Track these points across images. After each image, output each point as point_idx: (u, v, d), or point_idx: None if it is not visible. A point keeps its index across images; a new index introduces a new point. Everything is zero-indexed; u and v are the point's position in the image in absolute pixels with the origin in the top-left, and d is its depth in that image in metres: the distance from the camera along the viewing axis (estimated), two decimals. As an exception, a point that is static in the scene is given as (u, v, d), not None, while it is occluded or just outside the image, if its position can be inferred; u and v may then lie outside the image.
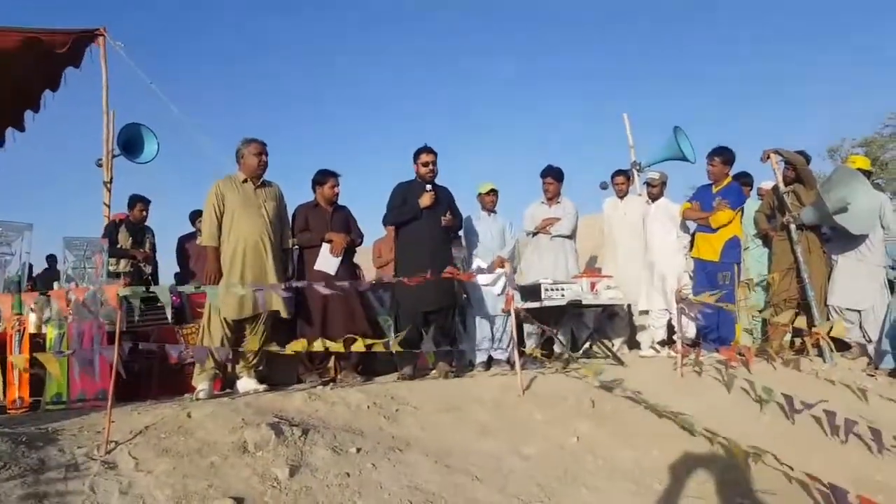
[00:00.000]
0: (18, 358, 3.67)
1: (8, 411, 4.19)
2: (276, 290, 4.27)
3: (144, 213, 6.70)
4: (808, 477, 3.09)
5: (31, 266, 9.86)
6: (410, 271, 4.72)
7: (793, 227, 5.45)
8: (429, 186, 5.19)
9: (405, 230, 5.24)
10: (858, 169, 5.52)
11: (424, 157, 5.22)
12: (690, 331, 5.78)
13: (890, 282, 5.51)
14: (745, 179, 6.47)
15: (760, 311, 5.62)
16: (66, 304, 4.41)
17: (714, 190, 5.77)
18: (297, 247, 5.19)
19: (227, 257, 4.60)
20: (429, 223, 5.15)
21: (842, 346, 5.40)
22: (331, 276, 4.88)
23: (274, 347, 4.30)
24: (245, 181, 4.73)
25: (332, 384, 4.77)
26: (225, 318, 4.50)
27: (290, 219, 5.12)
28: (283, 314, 4.68)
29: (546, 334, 5.48)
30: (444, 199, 5.28)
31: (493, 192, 5.99)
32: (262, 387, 4.53)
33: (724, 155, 5.77)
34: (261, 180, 4.79)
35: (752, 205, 6.20)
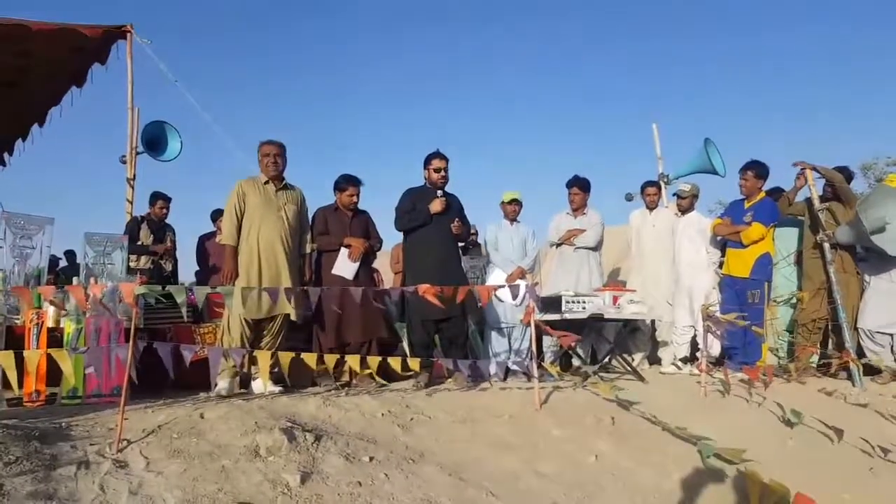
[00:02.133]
0: (33, 353, 3.66)
1: (24, 404, 4.20)
2: (288, 294, 4.23)
3: (165, 210, 6.72)
4: None
5: (57, 260, 10.05)
6: (419, 278, 4.66)
7: (826, 245, 5.30)
8: (440, 192, 5.13)
9: (414, 236, 5.18)
10: None
11: (436, 163, 5.16)
12: (715, 348, 5.65)
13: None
14: (778, 195, 6.32)
15: (789, 332, 5.47)
16: (84, 300, 4.42)
17: (746, 205, 5.64)
18: (316, 250, 5.15)
19: (245, 258, 4.60)
20: (438, 229, 5.08)
21: (872, 369, 5.23)
22: (348, 281, 4.84)
23: (286, 358, 4.27)
24: (267, 182, 4.73)
25: (347, 388, 4.72)
26: (244, 318, 4.49)
27: (310, 221, 5.09)
28: (293, 317, 4.66)
29: (564, 349, 5.39)
30: (454, 206, 5.21)
31: (516, 201, 5.92)
32: (276, 388, 4.49)
33: (756, 169, 5.65)
34: (283, 183, 4.79)
35: (788, 228, 6.06)
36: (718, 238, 5.79)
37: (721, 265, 5.80)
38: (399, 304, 5.86)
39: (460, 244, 5.54)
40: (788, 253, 5.84)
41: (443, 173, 5.17)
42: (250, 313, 4.50)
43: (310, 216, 5.09)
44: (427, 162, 5.21)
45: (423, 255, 5.08)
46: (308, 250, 5.00)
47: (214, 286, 4.47)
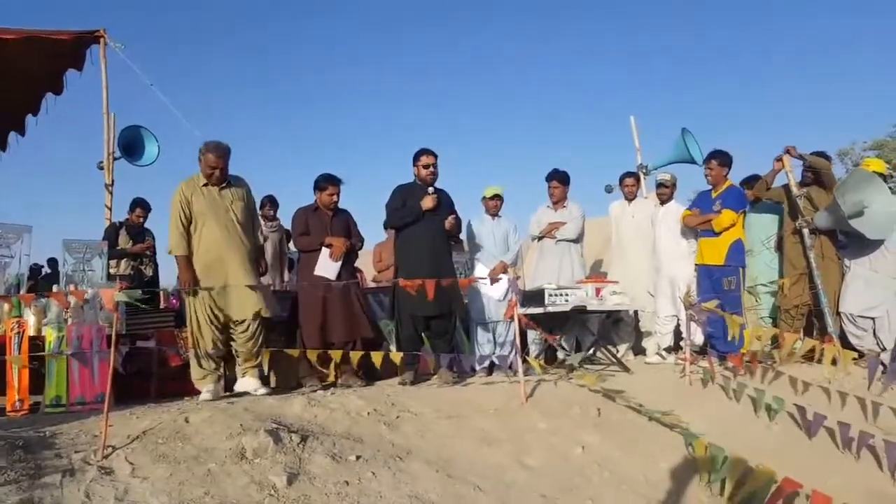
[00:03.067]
0: (16, 358, 3.64)
1: (7, 414, 4.16)
2: (253, 290, 4.20)
3: (142, 218, 6.65)
4: (818, 494, 3.00)
5: (40, 268, 9.95)
6: (410, 275, 4.66)
7: (806, 231, 5.36)
8: (430, 189, 5.13)
9: (405, 233, 5.16)
10: (874, 172, 5.43)
11: (425, 160, 5.15)
12: (698, 337, 5.70)
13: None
14: (756, 182, 6.39)
15: (772, 318, 5.51)
16: (65, 307, 4.39)
17: (714, 195, 5.70)
18: (296, 251, 5.14)
19: (201, 266, 4.42)
20: (429, 226, 5.06)
21: (857, 353, 5.28)
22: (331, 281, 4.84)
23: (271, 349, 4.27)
24: (206, 184, 4.51)
25: (332, 388, 4.72)
26: (211, 321, 4.40)
27: (291, 222, 5.05)
28: (265, 314, 4.52)
29: (549, 343, 5.42)
30: (444, 202, 5.21)
31: (498, 196, 5.92)
32: (263, 389, 4.46)
33: (720, 158, 5.72)
34: (225, 181, 4.56)
35: (767, 214, 6.13)
36: (689, 229, 5.84)
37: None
38: (384, 301, 5.87)
39: (454, 240, 5.54)
40: (767, 238, 5.90)
41: (432, 169, 5.16)
42: (217, 320, 4.39)
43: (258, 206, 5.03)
44: (416, 158, 5.19)
45: (414, 252, 5.07)
46: (261, 242, 4.92)
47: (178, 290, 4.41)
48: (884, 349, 5.14)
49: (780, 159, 5.53)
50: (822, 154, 5.62)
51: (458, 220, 5.29)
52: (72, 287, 4.63)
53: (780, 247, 5.80)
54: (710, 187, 5.79)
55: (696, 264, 5.72)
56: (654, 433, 3.80)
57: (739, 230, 5.60)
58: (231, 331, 4.51)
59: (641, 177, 6.73)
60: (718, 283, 5.51)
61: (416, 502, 2.82)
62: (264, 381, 4.66)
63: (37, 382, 4.29)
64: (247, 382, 4.50)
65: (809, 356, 5.22)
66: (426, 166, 5.15)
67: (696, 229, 5.73)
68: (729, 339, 4.83)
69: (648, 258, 6.06)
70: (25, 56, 6.08)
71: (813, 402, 4.12)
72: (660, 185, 6.11)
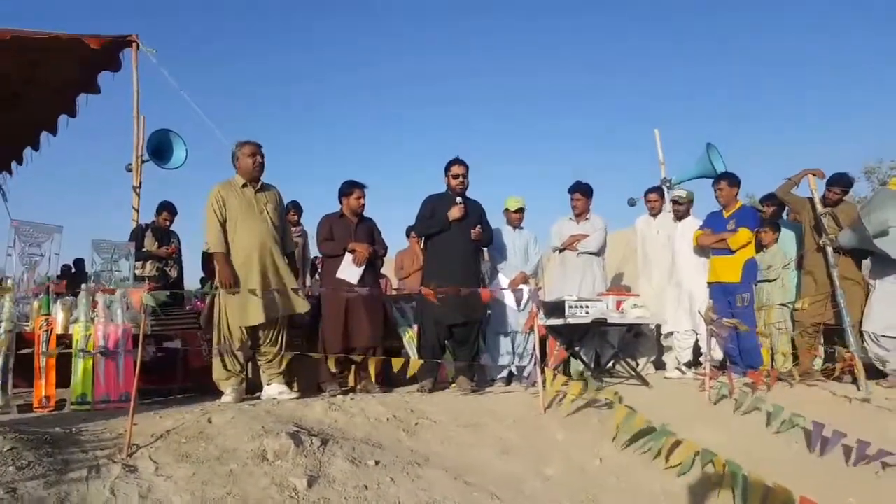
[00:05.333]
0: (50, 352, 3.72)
1: (34, 410, 4.24)
2: (297, 291, 4.23)
3: (168, 222, 6.75)
4: None
5: (70, 267, 10.14)
6: (437, 282, 4.69)
7: (829, 250, 5.32)
8: (459, 199, 5.17)
9: (434, 242, 5.22)
10: None
11: (455, 170, 5.20)
12: (718, 353, 5.67)
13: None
14: (774, 200, 6.36)
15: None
16: (93, 306, 4.47)
17: (726, 215, 5.71)
18: (320, 256, 5.19)
19: (240, 264, 4.49)
20: (458, 236, 5.11)
21: (878, 374, 5.23)
22: (353, 285, 4.88)
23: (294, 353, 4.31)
24: (244, 185, 4.63)
25: (352, 393, 4.75)
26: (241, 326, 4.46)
27: (316, 229, 5.13)
28: (302, 309, 4.66)
29: (566, 356, 5.43)
30: (474, 212, 5.24)
31: (521, 209, 5.95)
32: (289, 394, 4.50)
33: (728, 179, 5.76)
34: (259, 184, 4.70)
35: (787, 232, 6.10)
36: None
37: None
38: (405, 309, 5.91)
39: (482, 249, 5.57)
40: (789, 258, 5.90)
41: (461, 179, 5.21)
42: (253, 319, 4.44)
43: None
44: (447, 168, 5.26)
45: (442, 260, 5.12)
46: (293, 249, 4.99)
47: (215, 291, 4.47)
48: None
49: (813, 173, 5.50)
50: (844, 175, 5.59)
51: (486, 231, 5.32)
52: (100, 285, 4.71)
53: (800, 265, 5.78)
54: (720, 208, 5.81)
55: (708, 282, 5.70)
56: (671, 447, 3.78)
57: (752, 249, 5.63)
58: (260, 333, 4.56)
59: (665, 191, 6.71)
60: (734, 301, 5.49)
61: (433, 509, 2.84)
62: (290, 386, 4.72)
63: (63, 379, 4.39)
64: (273, 389, 4.56)
65: (828, 373, 5.18)
66: (455, 176, 5.19)
67: (708, 248, 5.73)
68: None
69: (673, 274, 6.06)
70: (59, 59, 6.23)
71: (832, 419, 4.06)
72: (674, 201, 6.13)
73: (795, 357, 5.67)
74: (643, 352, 6.14)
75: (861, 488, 3.45)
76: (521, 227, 5.97)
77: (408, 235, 7.38)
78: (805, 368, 5.37)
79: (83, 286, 4.52)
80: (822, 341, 5.56)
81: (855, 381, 5.02)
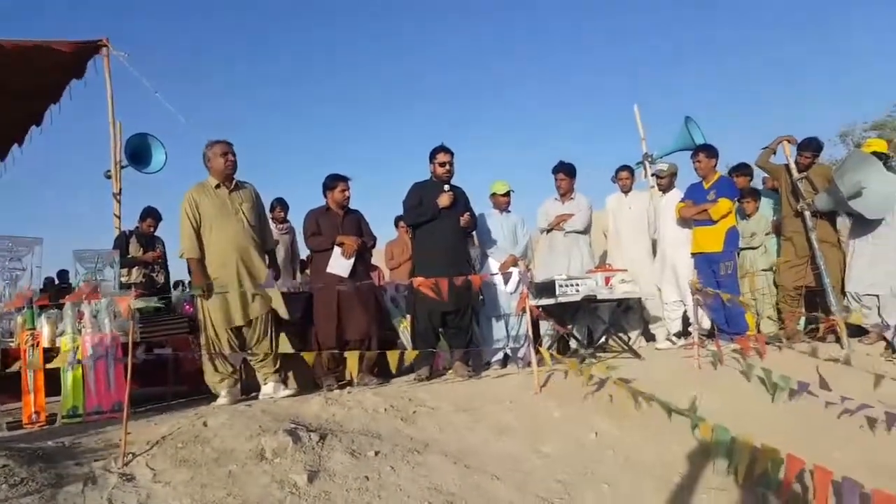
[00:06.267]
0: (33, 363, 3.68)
1: (24, 426, 4.20)
2: (274, 290, 4.19)
3: (153, 228, 6.67)
4: (820, 469, 2.99)
5: (53, 280, 10.01)
6: (428, 271, 4.69)
7: (807, 214, 5.39)
8: (447, 187, 5.16)
9: (423, 230, 5.21)
10: (875, 152, 5.43)
11: (441, 157, 5.18)
12: (705, 322, 5.73)
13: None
14: (744, 171, 6.46)
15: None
16: (79, 317, 4.43)
17: (706, 186, 5.75)
18: (308, 251, 5.17)
19: (216, 268, 4.44)
20: (446, 223, 5.12)
21: (859, 330, 5.32)
22: (344, 279, 4.87)
23: (289, 349, 4.28)
24: (218, 186, 4.55)
25: (349, 387, 4.75)
26: (225, 322, 4.43)
27: (302, 224, 5.09)
28: (282, 314, 4.59)
29: (560, 333, 5.46)
30: (460, 199, 5.25)
31: (509, 192, 5.96)
32: (285, 391, 4.48)
33: (706, 151, 5.80)
34: (234, 183, 4.62)
35: (766, 200, 6.15)
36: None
37: None
38: (398, 299, 5.91)
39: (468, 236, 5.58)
40: (767, 224, 6.02)
41: (448, 167, 5.20)
42: (235, 321, 4.42)
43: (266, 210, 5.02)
44: (432, 156, 5.23)
45: (432, 249, 5.12)
46: (272, 246, 4.95)
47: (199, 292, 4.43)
48: (887, 327, 5.15)
49: (787, 140, 5.57)
50: (813, 139, 5.67)
51: (473, 217, 5.32)
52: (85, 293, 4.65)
53: (778, 231, 5.86)
54: (699, 180, 5.85)
55: (692, 253, 5.75)
56: (665, 417, 3.81)
57: (733, 218, 5.69)
58: (246, 334, 4.53)
59: (646, 166, 6.75)
60: (718, 269, 5.55)
61: (435, 494, 2.85)
62: (286, 383, 4.70)
63: (53, 393, 4.34)
64: (269, 388, 4.54)
65: (813, 334, 5.27)
66: (442, 164, 5.18)
67: (690, 219, 5.77)
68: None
69: (647, 248, 6.15)
70: (26, 66, 6.09)
71: (817, 378, 4.12)
72: (655, 175, 6.20)
73: (781, 321, 5.77)
74: (632, 325, 6.20)
75: (845, 443, 3.52)
76: (509, 211, 5.99)
77: (396, 225, 7.37)
78: (790, 331, 5.45)
79: (66, 296, 4.46)
80: (803, 303, 5.65)
81: (838, 339, 5.11)
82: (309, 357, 3.99)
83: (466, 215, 5.18)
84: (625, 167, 6.48)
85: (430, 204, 5.11)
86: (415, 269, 5.28)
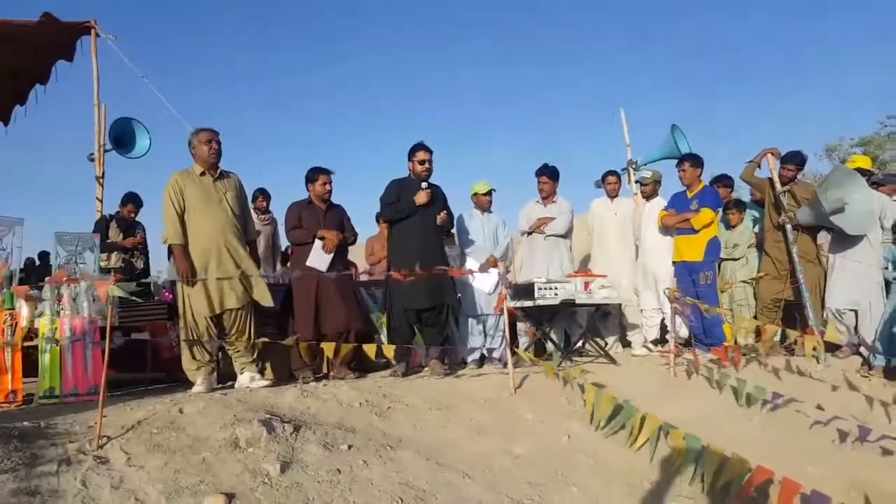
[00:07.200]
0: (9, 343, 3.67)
1: (1, 405, 4.18)
2: (257, 279, 4.19)
3: (133, 214, 6.64)
4: (788, 481, 3.05)
5: (33, 261, 9.93)
6: (402, 268, 4.72)
7: (789, 227, 5.48)
8: (424, 184, 5.18)
9: (398, 227, 5.23)
10: (858, 168, 5.52)
11: (420, 155, 5.20)
12: (683, 330, 5.80)
13: (887, 282, 5.50)
14: (725, 182, 6.53)
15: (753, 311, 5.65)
16: (58, 298, 4.42)
17: (689, 195, 5.81)
18: (289, 244, 5.18)
19: (199, 254, 4.43)
20: (422, 221, 5.14)
21: (834, 345, 5.41)
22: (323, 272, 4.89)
23: (265, 340, 4.30)
24: (203, 174, 4.54)
25: (325, 380, 4.77)
26: (206, 309, 4.41)
27: (284, 216, 5.09)
28: (267, 303, 4.59)
29: (535, 339, 5.51)
30: (438, 197, 5.27)
31: (491, 192, 5.99)
32: (262, 381, 4.48)
33: (692, 160, 5.85)
34: (218, 172, 4.61)
35: (751, 213, 6.26)
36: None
37: None
38: (376, 294, 5.93)
39: (445, 235, 5.59)
40: (750, 236, 6.08)
41: (427, 165, 5.21)
42: (214, 309, 4.41)
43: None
44: (411, 154, 5.24)
45: (407, 246, 5.12)
46: (255, 237, 4.94)
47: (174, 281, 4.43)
48: (859, 344, 5.23)
49: (771, 152, 5.67)
50: (797, 153, 5.77)
51: (450, 216, 5.35)
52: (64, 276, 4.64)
53: (760, 245, 5.96)
54: (683, 189, 5.91)
55: (673, 261, 5.82)
56: (637, 423, 3.88)
57: (715, 229, 5.76)
58: (225, 322, 4.52)
59: (630, 173, 6.81)
60: (698, 279, 5.63)
61: (406, 490, 2.89)
62: (262, 374, 4.71)
63: (30, 372, 4.33)
64: (245, 378, 4.53)
65: (790, 348, 5.35)
66: (421, 162, 5.20)
67: (672, 228, 5.85)
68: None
69: (630, 254, 6.20)
70: (13, 46, 6.05)
71: (793, 392, 4.20)
72: (639, 182, 6.27)
73: (759, 333, 5.85)
74: (610, 331, 6.26)
75: (818, 457, 3.59)
76: (490, 211, 6.02)
77: (377, 221, 7.37)
78: (768, 344, 5.53)
79: (46, 279, 4.45)
80: (781, 316, 5.73)
81: (813, 354, 5.19)
82: (289, 342, 4.00)
83: (443, 213, 5.20)
84: (612, 172, 6.53)
85: (408, 201, 5.13)
86: (389, 265, 5.27)
